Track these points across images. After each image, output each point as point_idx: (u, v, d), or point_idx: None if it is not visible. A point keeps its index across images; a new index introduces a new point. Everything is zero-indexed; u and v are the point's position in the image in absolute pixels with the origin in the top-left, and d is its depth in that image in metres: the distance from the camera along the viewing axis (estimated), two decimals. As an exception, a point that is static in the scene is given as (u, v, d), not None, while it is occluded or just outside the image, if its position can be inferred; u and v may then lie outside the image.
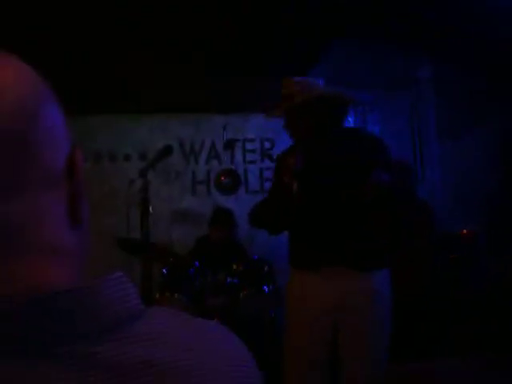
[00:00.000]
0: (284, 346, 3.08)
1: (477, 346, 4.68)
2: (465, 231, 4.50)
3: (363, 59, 6.68)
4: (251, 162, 6.44)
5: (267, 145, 6.52)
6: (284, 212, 3.04)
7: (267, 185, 6.04)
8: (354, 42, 6.42)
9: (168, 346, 0.64)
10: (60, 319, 0.59)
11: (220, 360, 0.68)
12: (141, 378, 0.60)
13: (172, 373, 0.62)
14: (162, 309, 0.72)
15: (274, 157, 4.01)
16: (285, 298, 3.15)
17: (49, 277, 0.63)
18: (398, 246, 4.56)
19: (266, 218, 3.17)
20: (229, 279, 4.47)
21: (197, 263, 4.46)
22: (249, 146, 6.40)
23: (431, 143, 6.82)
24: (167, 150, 3.37)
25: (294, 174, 2.87)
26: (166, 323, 0.68)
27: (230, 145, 6.02)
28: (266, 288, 4.57)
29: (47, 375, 0.57)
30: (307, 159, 2.93)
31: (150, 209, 3.18)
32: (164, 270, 4.39)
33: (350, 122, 6.63)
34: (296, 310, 3.02)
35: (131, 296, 0.66)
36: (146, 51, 5.16)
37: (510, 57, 5.14)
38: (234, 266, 4.57)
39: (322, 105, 3.05)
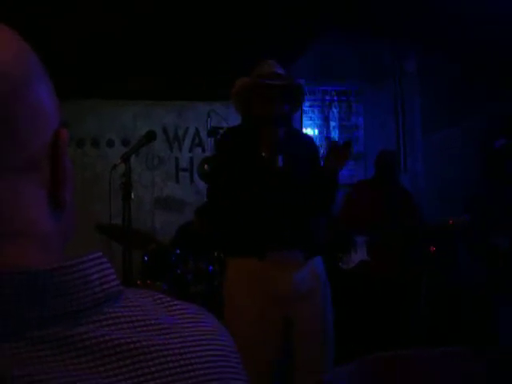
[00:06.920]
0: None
1: (450, 338, 4.73)
2: (451, 221, 4.50)
3: (348, 50, 6.68)
4: (235, 150, 6.41)
5: (251, 133, 6.50)
6: (254, 191, 2.88)
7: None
8: (340, 34, 6.41)
9: (145, 329, 0.64)
10: (35, 300, 0.57)
11: (198, 342, 0.67)
12: (119, 361, 0.59)
13: (149, 356, 0.61)
14: (140, 291, 0.71)
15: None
16: (229, 290, 2.98)
17: (24, 259, 0.61)
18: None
19: (234, 199, 2.93)
20: (210, 267, 4.46)
21: (178, 250, 4.44)
22: (233, 134, 6.37)
23: (415, 134, 6.85)
24: (150, 136, 3.34)
25: (277, 146, 2.81)
26: (144, 305, 0.67)
27: (213, 132, 5.99)
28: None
29: (24, 359, 0.55)
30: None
31: (132, 195, 3.14)
32: (145, 257, 4.37)
33: (335, 112, 6.63)
34: (249, 301, 2.85)
35: (109, 277, 0.65)
36: (133, 37, 5.12)
37: (496, 49, 5.16)
38: (216, 254, 4.56)
39: (295, 92, 3.07)
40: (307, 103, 6.58)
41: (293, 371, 2.92)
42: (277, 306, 2.85)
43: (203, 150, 6.46)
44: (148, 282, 4.23)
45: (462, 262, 5.25)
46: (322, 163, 3.14)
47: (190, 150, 6.46)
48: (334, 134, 6.62)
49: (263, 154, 2.84)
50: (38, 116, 0.63)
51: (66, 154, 0.67)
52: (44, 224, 0.65)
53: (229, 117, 6.31)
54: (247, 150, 2.92)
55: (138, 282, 4.23)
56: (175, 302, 0.72)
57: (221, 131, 6.20)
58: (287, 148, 2.93)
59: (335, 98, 6.66)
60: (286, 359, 2.93)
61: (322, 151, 6.57)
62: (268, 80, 2.97)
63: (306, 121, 6.57)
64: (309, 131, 6.54)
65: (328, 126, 6.61)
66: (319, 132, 6.59)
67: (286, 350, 2.90)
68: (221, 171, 3.00)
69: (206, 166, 6.08)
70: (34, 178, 0.63)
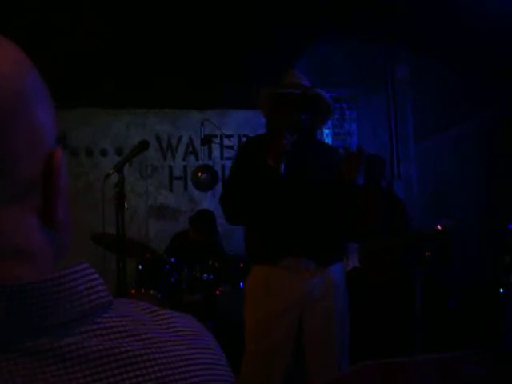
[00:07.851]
0: (248, 346, 2.97)
1: (445, 343, 4.73)
2: (439, 227, 4.51)
3: (341, 57, 6.69)
4: (229, 158, 6.39)
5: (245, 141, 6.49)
6: (262, 197, 2.93)
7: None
8: (332, 40, 6.43)
9: (134, 339, 0.63)
10: (22, 312, 0.57)
11: (186, 352, 0.67)
12: (107, 371, 0.59)
13: (137, 366, 0.61)
14: (128, 301, 0.70)
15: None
16: (246, 296, 3.07)
17: (12, 276, 0.59)
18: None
19: (243, 203, 3.00)
20: (205, 275, 4.46)
21: (172, 259, 4.43)
22: (226, 141, 6.36)
23: (408, 141, 6.86)
24: (143, 145, 3.33)
25: (282, 155, 2.80)
26: (132, 315, 0.66)
27: (207, 141, 5.99)
28: (242, 284, 4.57)
29: (11, 371, 0.55)
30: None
31: (126, 204, 3.14)
32: (140, 266, 4.36)
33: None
34: (262, 306, 2.95)
35: (97, 288, 0.64)
36: (126, 46, 5.13)
37: (488, 56, 5.18)
38: (210, 262, 4.56)
39: (319, 102, 3.10)
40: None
41: (304, 374, 2.98)
42: (289, 311, 2.92)
43: (197, 159, 6.46)
44: (142, 290, 4.22)
45: (459, 264, 5.25)
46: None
47: (184, 159, 6.46)
48: (327, 141, 6.61)
49: (269, 163, 2.86)
50: (32, 136, 0.61)
51: (60, 175, 0.65)
52: (35, 245, 0.63)
53: (222, 125, 6.32)
54: (259, 158, 2.94)
55: (133, 291, 4.22)
56: (164, 311, 0.71)
57: (214, 139, 6.22)
58: (299, 157, 2.97)
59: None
60: (298, 361, 2.98)
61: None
62: (276, 89, 3.06)
63: (299, 128, 6.56)
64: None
65: (321, 133, 6.60)
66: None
67: (298, 353, 2.96)
68: (235, 176, 3.10)
69: (199, 174, 6.09)
70: (25, 202, 0.62)
